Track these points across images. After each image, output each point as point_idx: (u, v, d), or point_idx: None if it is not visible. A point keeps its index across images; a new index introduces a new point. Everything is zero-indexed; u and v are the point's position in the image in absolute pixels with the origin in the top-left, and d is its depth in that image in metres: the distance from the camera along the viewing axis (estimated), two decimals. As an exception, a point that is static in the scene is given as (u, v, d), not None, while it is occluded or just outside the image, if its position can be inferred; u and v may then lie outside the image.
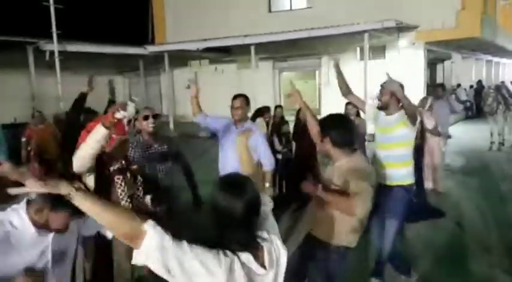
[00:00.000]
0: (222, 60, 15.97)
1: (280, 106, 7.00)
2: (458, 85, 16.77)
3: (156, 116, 3.25)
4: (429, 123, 6.53)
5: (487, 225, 5.30)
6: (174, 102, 17.02)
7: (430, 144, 6.49)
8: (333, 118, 2.78)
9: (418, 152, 5.81)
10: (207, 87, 16.49)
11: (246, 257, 1.46)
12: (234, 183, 1.54)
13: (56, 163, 6.94)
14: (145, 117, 3.21)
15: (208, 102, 16.32)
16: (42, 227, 1.80)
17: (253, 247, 1.50)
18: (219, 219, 1.48)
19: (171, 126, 15.08)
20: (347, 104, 6.76)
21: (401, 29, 12.44)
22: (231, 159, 3.80)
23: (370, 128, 6.97)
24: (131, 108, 2.28)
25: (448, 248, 4.65)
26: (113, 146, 2.60)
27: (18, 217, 1.77)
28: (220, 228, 1.47)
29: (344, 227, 2.56)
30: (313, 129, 3.00)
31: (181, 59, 15.55)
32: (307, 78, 18.30)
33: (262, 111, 6.46)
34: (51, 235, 1.84)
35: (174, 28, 17.14)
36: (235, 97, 3.91)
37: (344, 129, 2.65)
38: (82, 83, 4.08)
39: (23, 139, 6.88)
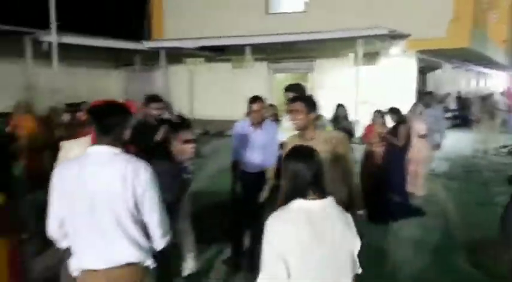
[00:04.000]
0: (217, 59, 16.13)
1: (272, 105, 7.17)
2: (448, 94, 17.15)
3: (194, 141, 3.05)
4: (421, 129, 6.76)
5: (464, 225, 5.59)
6: (168, 99, 17.12)
7: (417, 149, 6.57)
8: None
9: (403, 154, 6.09)
10: (201, 86, 16.73)
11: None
12: (304, 152, 2.01)
13: (42, 153, 6.73)
14: (187, 141, 2.97)
15: (202, 100, 16.43)
16: None
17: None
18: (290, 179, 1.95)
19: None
20: (338, 106, 7.14)
21: (393, 36, 12.73)
22: (257, 156, 3.98)
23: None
24: None
25: (425, 243, 4.95)
26: None
27: None
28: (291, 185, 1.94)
29: None
30: None
31: (177, 56, 15.69)
32: (300, 81, 18.55)
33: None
34: None
35: (171, 24, 17.23)
36: (254, 100, 3.90)
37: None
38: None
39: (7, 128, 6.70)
